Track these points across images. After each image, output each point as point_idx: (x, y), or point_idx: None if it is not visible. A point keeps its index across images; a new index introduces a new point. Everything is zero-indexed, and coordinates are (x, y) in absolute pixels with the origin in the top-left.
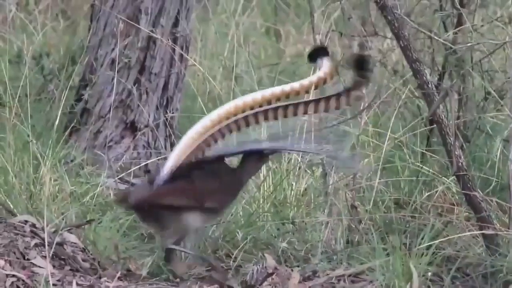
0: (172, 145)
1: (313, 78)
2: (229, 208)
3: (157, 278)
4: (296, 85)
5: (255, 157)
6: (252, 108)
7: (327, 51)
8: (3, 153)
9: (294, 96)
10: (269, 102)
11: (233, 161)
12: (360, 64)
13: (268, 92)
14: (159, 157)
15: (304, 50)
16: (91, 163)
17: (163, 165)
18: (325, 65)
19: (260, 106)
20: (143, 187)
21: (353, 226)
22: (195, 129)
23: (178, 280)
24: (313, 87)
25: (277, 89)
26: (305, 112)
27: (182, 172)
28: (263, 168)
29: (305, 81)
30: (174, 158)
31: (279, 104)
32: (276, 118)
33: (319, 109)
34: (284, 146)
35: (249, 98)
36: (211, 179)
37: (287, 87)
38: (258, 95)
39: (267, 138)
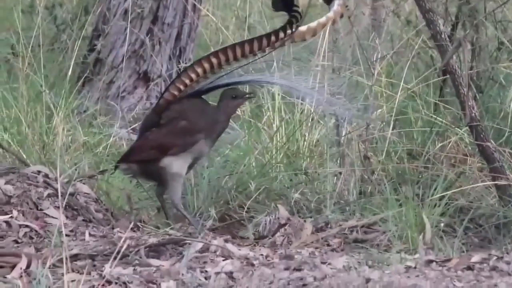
0: None
1: (322, 19)
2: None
3: (170, 228)
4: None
5: (230, 95)
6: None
7: None
8: (16, 104)
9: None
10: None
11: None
12: None
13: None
14: None
15: (317, 1)
16: (104, 113)
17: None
18: (336, 5)
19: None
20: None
21: (366, 177)
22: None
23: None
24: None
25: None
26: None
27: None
28: (276, 119)
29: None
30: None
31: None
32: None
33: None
34: (263, 78)
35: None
36: (176, 124)
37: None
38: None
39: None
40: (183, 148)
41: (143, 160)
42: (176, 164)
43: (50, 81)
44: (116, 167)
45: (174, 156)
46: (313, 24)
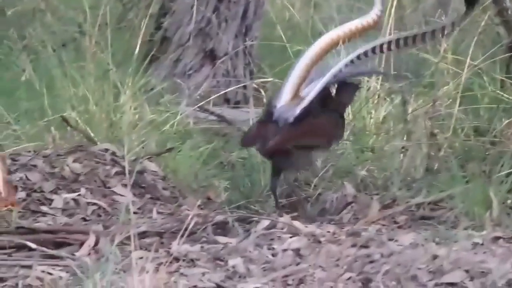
0: (251, 74)
1: (373, 16)
2: None
3: (236, 205)
4: (364, 22)
5: (350, 87)
6: (343, 41)
7: None
8: (84, 82)
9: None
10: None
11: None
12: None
13: (349, 26)
14: (238, 85)
15: None
16: (170, 91)
17: (277, 96)
18: (377, 2)
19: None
20: (270, 129)
21: (432, 153)
22: (303, 60)
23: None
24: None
25: (355, 24)
26: (414, 43)
27: (306, 110)
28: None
29: (369, 18)
30: (288, 90)
31: (391, 38)
32: (390, 49)
33: (416, 43)
34: (366, 70)
35: (340, 31)
36: (329, 115)
37: (362, 22)
38: (346, 28)
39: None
40: (339, 139)
41: (305, 146)
42: (322, 154)
43: (117, 60)
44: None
45: (329, 145)
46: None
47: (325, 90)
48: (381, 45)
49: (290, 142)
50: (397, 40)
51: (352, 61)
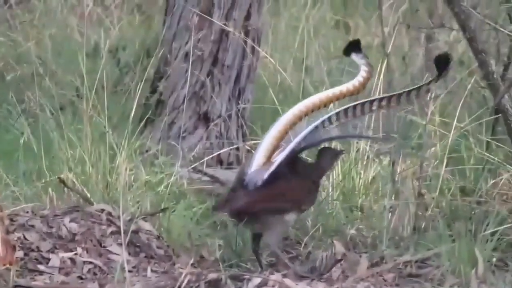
0: (244, 136)
1: (355, 82)
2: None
3: (229, 263)
4: (344, 88)
5: (331, 153)
6: (319, 107)
7: (360, 46)
8: (81, 144)
9: (348, 95)
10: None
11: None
12: (442, 63)
13: (328, 93)
14: (231, 147)
15: (372, 42)
16: (165, 153)
17: (249, 163)
18: (363, 68)
19: (325, 105)
20: (240, 193)
21: (420, 213)
22: (276, 127)
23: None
24: (359, 90)
25: (335, 90)
26: (380, 107)
27: (275, 174)
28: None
29: (350, 85)
30: (260, 156)
31: (358, 102)
32: (355, 115)
33: (391, 105)
34: (352, 134)
35: (316, 98)
36: (300, 179)
37: (343, 88)
38: (323, 95)
39: (334, 128)
40: (310, 204)
41: (272, 211)
42: (294, 217)
43: (114, 122)
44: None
45: (300, 210)
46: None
47: (293, 155)
48: (354, 108)
49: (256, 205)
50: (362, 104)
51: (323, 125)
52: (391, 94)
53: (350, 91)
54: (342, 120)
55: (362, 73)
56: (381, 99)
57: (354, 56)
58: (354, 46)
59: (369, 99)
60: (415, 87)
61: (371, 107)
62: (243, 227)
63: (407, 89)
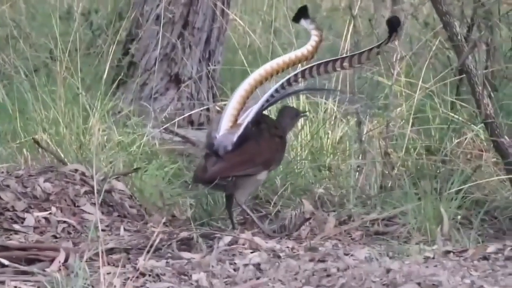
0: (214, 97)
1: (308, 47)
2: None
3: (200, 222)
4: (299, 53)
5: (291, 112)
6: (277, 72)
7: (308, 13)
8: (55, 105)
9: (300, 62)
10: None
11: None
12: (393, 25)
13: (283, 58)
14: (202, 108)
15: (339, 5)
16: (137, 114)
17: (216, 127)
18: (313, 33)
19: (282, 70)
20: (211, 160)
21: (386, 172)
22: (239, 91)
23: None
24: (312, 54)
25: (289, 56)
26: (342, 67)
27: (243, 136)
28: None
29: (304, 50)
30: (227, 120)
31: (321, 61)
32: (319, 73)
33: (353, 63)
34: (307, 87)
35: (274, 63)
36: (268, 139)
37: (296, 54)
38: (279, 60)
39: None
40: (278, 163)
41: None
42: (265, 175)
43: (87, 84)
44: (210, 182)
45: (270, 169)
46: (291, 55)
47: (260, 116)
48: (310, 69)
49: (229, 172)
50: (326, 63)
51: (283, 86)
52: (346, 55)
53: (304, 56)
54: (307, 77)
55: (314, 37)
56: (335, 60)
57: (303, 22)
58: (302, 13)
59: (325, 60)
60: (365, 49)
61: (334, 66)
62: (216, 190)
63: (359, 51)
